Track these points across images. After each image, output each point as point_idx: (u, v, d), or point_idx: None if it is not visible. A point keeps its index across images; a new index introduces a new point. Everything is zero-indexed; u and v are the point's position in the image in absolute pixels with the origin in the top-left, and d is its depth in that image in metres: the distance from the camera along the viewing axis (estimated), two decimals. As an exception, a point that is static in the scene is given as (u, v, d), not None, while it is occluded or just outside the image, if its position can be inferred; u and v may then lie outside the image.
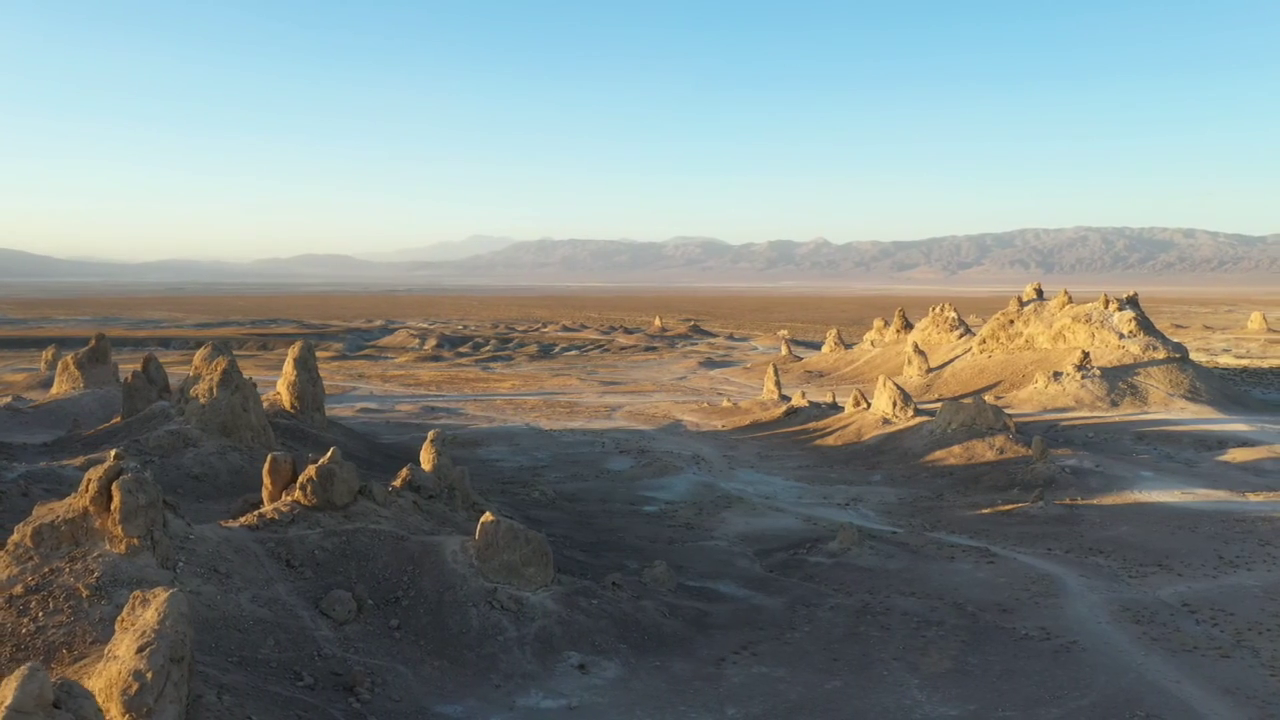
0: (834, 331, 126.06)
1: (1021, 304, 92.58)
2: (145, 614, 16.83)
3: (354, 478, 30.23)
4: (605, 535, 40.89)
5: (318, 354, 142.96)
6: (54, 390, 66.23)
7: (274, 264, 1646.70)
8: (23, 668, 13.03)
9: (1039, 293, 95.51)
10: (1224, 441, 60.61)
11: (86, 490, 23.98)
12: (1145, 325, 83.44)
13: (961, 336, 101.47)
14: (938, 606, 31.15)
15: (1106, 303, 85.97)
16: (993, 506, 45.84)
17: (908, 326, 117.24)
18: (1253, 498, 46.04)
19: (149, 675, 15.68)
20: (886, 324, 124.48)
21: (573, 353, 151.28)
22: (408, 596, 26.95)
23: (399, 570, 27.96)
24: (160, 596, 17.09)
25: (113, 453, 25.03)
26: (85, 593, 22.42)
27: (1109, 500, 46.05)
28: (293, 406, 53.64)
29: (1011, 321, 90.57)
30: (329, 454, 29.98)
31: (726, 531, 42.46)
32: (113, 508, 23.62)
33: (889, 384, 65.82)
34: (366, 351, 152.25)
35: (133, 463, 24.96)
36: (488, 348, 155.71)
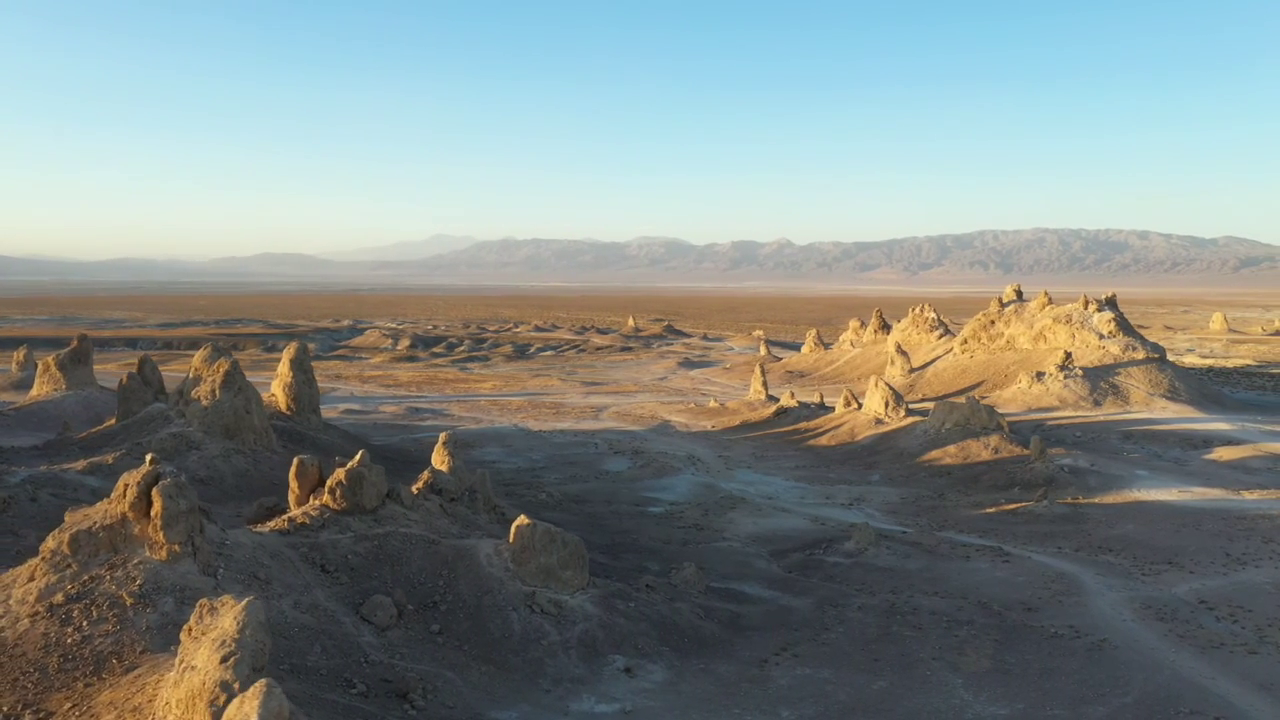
0: (813, 332, 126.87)
1: (1002, 305, 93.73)
2: (223, 622, 16.47)
3: (383, 481, 29.86)
4: (619, 537, 40.74)
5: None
6: (34, 392, 64.71)
7: (232, 263, 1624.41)
8: (261, 684, 12.86)
9: (1019, 294, 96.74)
10: (1209, 440, 61.76)
11: (124, 496, 23.46)
12: (1124, 326, 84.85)
13: (941, 337, 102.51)
14: (963, 606, 31.40)
15: (1086, 304, 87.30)
16: (996, 505, 46.34)
17: (885, 327, 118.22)
18: (1248, 495, 46.94)
19: (236, 686, 15.33)
20: (863, 324, 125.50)
21: (549, 353, 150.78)
22: (445, 601, 26.67)
23: (434, 575, 27.66)
24: (238, 605, 16.73)
25: (148, 457, 24.48)
26: (129, 601, 21.94)
27: (1110, 499, 46.74)
28: (289, 408, 52.89)
29: (993, 322, 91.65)
30: (358, 457, 29.59)
31: (737, 532, 42.50)
32: (153, 513, 23.13)
33: (881, 384, 66.30)
34: (340, 352, 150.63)
35: (169, 467, 24.44)
36: (462, 348, 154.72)
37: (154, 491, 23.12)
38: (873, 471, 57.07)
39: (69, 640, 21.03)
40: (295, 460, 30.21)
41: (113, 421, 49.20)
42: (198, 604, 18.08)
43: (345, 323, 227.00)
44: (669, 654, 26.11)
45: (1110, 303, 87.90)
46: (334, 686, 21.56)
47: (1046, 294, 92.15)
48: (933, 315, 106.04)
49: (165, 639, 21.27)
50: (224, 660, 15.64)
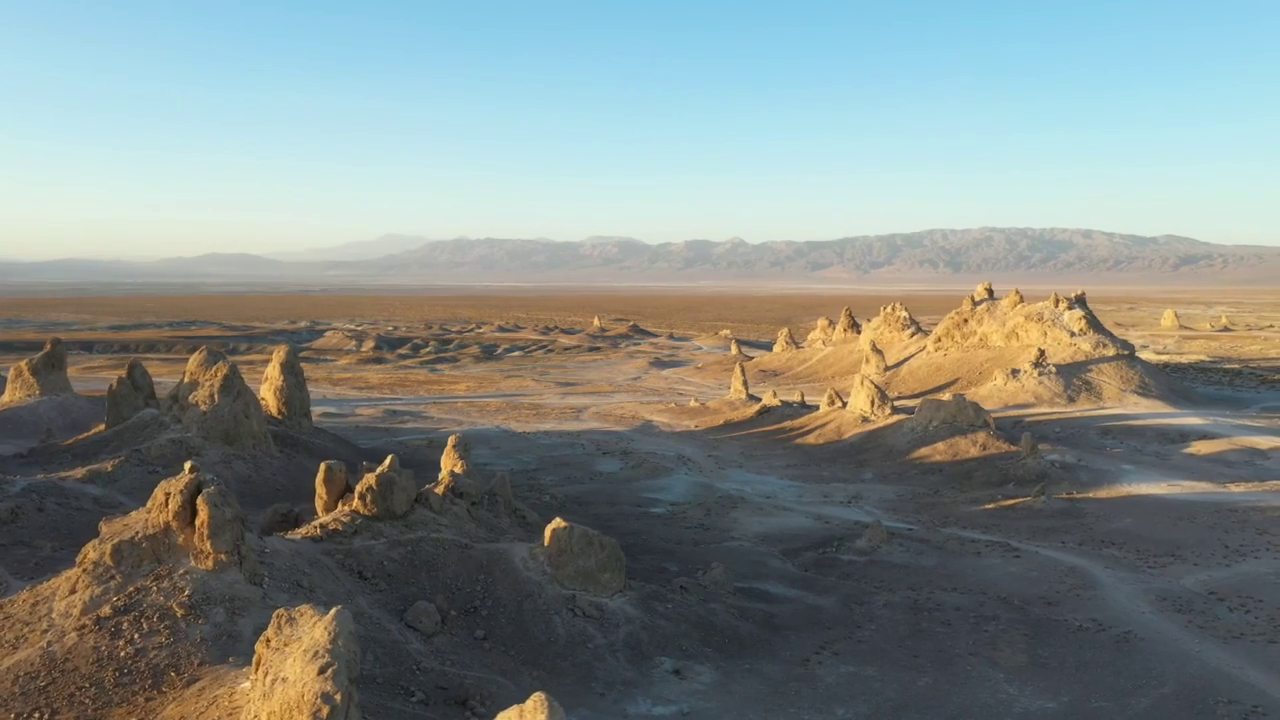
0: (785, 331, 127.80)
1: (974, 303, 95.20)
2: (313, 633, 16.19)
3: (412, 486, 29.57)
4: (629, 539, 40.56)
5: (253, 358, 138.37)
6: (6, 398, 62.82)
7: (178, 263, 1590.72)
8: (540, 697, 12.84)
9: (990, 292, 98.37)
10: (1185, 435, 63.26)
11: (167, 505, 22.95)
12: (1094, 324, 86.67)
13: (913, 335, 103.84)
14: (985, 601, 31.89)
15: (1056, 302, 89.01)
16: (995, 502, 47.09)
17: (854, 325, 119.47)
18: (1234, 488, 48.24)
19: (338, 697, 15.10)
20: (831, 323, 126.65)
21: (516, 353, 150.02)
22: (485, 606, 26.49)
23: (470, 580, 27.45)
24: (326, 615, 16.46)
25: (187, 465, 23.97)
26: (180, 612, 21.48)
27: (1103, 493, 47.74)
28: (280, 412, 52.03)
29: (965, 320, 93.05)
30: (387, 462, 29.27)
31: (744, 532, 42.69)
32: (198, 523, 22.66)
33: (867, 383, 66.99)
34: (303, 354, 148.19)
35: (209, 475, 23.95)
36: (428, 349, 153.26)
37: (199, 500, 22.66)
38: (864, 469, 57.65)
39: (122, 653, 20.54)
40: (323, 466, 29.79)
41: (101, 427, 48.02)
42: (274, 614, 17.77)
43: (302, 324, 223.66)
44: (713, 655, 26.18)
45: (1080, 300, 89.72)
46: (394, 695, 21.30)
47: (1018, 292, 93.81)
48: (904, 314, 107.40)
49: (221, 650, 20.88)
50: (321, 671, 15.37)
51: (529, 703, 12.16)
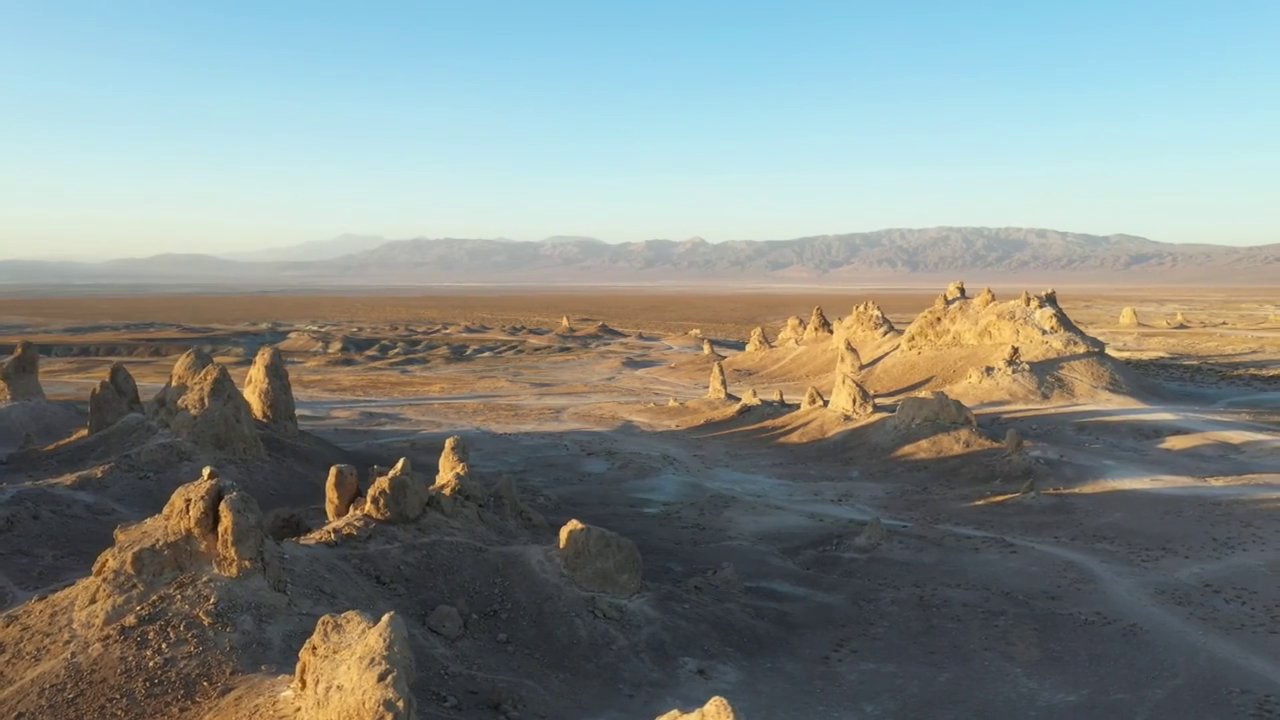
0: (758, 330, 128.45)
1: (947, 302, 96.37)
2: (368, 640, 16.00)
3: (423, 489, 29.32)
4: (630, 539, 40.64)
5: (218, 360, 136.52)
6: (-25, 403, 61.21)
7: (130, 264, 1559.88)
8: (719, 702, 12.64)
9: (962, 291, 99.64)
10: (1159, 430, 64.51)
11: (188, 511, 22.55)
12: (1065, 322, 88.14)
13: (886, 334, 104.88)
14: (990, 597, 32.32)
15: (1028, 300, 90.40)
16: (984, 498, 47.72)
17: (825, 325, 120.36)
18: (1214, 482, 49.30)
19: (400, 704, 14.95)
20: (801, 322, 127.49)
21: (486, 354, 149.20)
22: (505, 609, 26.35)
23: (487, 583, 27.29)
24: (380, 621, 16.27)
25: (206, 470, 23.57)
26: (207, 620, 21.14)
27: (1089, 489, 48.54)
28: (265, 416, 51.30)
29: (939, 319, 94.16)
30: (399, 465, 29.01)
31: (740, 531, 42.86)
32: (221, 529, 22.30)
33: (849, 381, 67.54)
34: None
35: (228, 480, 23.57)
36: (397, 350, 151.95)
37: (221, 506, 22.29)
38: (850, 468, 58.13)
39: (150, 663, 20.16)
40: (333, 470, 29.45)
41: (83, 432, 47.03)
42: (320, 621, 17.54)
43: (264, 325, 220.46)
44: (734, 654, 26.28)
45: (1050, 299, 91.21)
46: (425, 700, 21.09)
47: (990, 291, 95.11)
48: (877, 313, 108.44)
49: (252, 658, 20.58)
50: (381, 678, 15.20)
51: (709, 706, 12.04)
